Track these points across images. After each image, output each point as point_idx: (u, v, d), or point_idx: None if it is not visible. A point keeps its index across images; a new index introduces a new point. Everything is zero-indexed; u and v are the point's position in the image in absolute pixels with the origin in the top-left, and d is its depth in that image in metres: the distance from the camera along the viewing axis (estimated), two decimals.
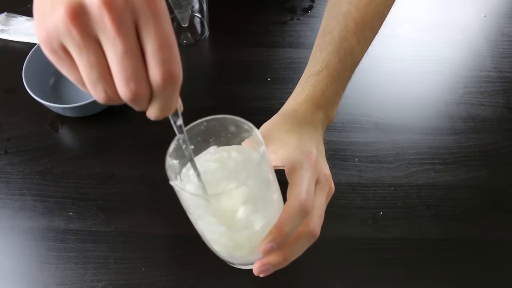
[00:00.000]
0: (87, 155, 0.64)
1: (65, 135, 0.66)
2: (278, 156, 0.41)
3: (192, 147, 0.37)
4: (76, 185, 0.61)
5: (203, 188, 0.37)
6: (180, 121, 0.33)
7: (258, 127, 0.45)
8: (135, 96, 0.28)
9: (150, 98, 0.29)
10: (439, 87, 0.74)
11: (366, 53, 0.52)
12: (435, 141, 0.68)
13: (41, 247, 0.57)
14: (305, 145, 0.42)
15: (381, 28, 0.54)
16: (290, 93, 0.49)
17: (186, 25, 0.76)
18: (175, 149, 0.36)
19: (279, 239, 0.36)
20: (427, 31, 0.81)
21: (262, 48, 0.76)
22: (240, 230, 0.37)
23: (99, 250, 0.57)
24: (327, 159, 0.44)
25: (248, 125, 0.36)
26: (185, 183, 0.39)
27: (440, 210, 0.62)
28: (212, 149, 0.41)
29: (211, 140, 0.40)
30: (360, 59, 0.51)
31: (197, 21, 0.78)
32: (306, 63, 0.51)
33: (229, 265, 0.46)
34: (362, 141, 0.67)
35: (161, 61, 0.27)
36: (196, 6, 0.76)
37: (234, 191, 0.33)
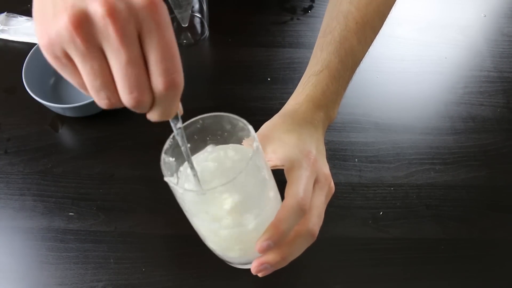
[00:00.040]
0: (87, 155, 0.64)
1: (65, 135, 0.66)
2: (277, 155, 0.41)
3: (189, 145, 0.38)
4: (76, 185, 0.61)
5: (199, 184, 0.37)
6: (179, 124, 0.33)
7: (258, 127, 0.45)
8: (137, 104, 0.28)
9: (152, 104, 0.29)
10: (439, 87, 0.75)
11: (367, 53, 0.52)
12: (435, 141, 0.68)
13: (41, 247, 0.57)
14: (305, 145, 0.42)
15: (381, 28, 0.54)
16: (290, 93, 0.49)
17: (186, 25, 0.76)
18: (171, 146, 0.37)
19: (275, 237, 0.36)
20: (427, 31, 0.81)
21: (262, 48, 0.76)
22: (234, 227, 0.37)
23: (99, 250, 0.57)
24: (327, 159, 0.44)
25: (243, 122, 0.37)
26: (183, 182, 0.39)
27: (440, 210, 0.62)
28: (209, 148, 0.41)
29: (207, 138, 0.40)
30: (361, 59, 0.51)
31: (197, 21, 0.78)
32: (306, 63, 0.51)
33: (229, 265, 0.46)
34: (362, 141, 0.67)
35: (163, 71, 0.27)
36: (196, 6, 0.76)
37: (226, 187, 0.33)
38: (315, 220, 0.39)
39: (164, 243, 0.58)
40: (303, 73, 0.50)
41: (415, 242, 0.59)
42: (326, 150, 0.46)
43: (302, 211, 0.37)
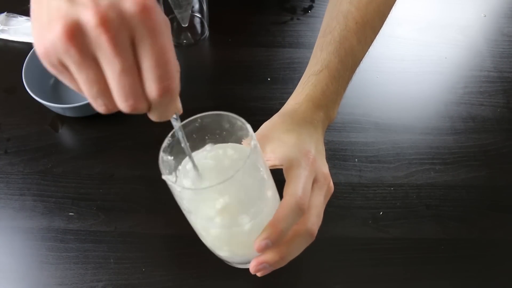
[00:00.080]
0: (87, 155, 0.64)
1: (65, 135, 0.66)
2: (276, 155, 0.41)
3: (188, 144, 0.38)
4: (76, 185, 0.61)
5: (200, 178, 0.37)
6: (178, 123, 0.34)
7: (258, 127, 0.45)
8: (133, 110, 0.29)
9: (149, 107, 0.30)
10: (439, 87, 0.75)
11: (367, 53, 0.52)
12: (435, 141, 0.68)
13: (41, 247, 0.57)
14: (304, 144, 0.42)
15: (381, 28, 0.54)
16: (290, 93, 0.49)
17: (186, 25, 0.76)
18: (169, 145, 0.37)
19: (273, 236, 0.36)
20: (427, 31, 0.81)
21: (262, 48, 0.76)
22: (232, 225, 0.37)
23: (99, 250, 0.57)
24: (327, 159, 0.44)
25: (241, 121, 0.37)
26: (181, 179, 0.39)
27: (440, 210, 0.62)
28: (208, 146, 0.41)
29: (206, 137, 0.40)
30: (361, 59, 0.51)
31: (197, 21, 0.78)
32: (306, 63, 0.51)
33: (228, 265, 0.46)
34: (362, 141, 0.67)
35: (156, 78, 0.27)
36: (196, 6, 0.76)
37: (223, 185, 0.33)
38: (314, 220, 0.39)
39: (164, 243, 0.58)
40: (303, 73, 0.50)
41: (415, 242, 0.59)
42: (326, 150, 0.46)
43: (300, 210, 0.37)
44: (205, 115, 0.38)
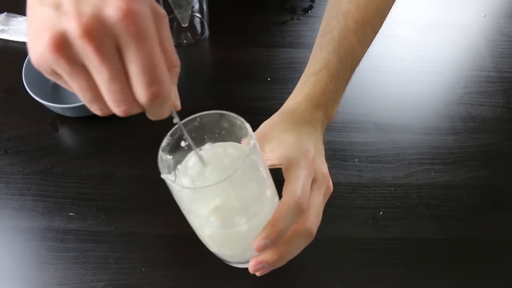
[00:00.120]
0: (87, 155, 0.64)
1: (65, 135, 0.66)
2: (275, 154, 0.41)
3: (186, 143, 0.38)
4: (76, 185, 0.61)
5: (207, 167, 0.37)
6: (176, 119, 0.34)
7: (257, 127, 0.45)
8: (127, 114, 0.29)
9: (143, 108, 0.30)
10: (439, 87, 0.74)
11: (366, 53, 0.52)
12: (435, 141, 0.68)
13: (41, 247, 0.57)
14: (303, 144, 0.42)
15: (381, 28, 0.54)
16: (290, 93, 0.49)
17: (186, 25, 0.76)
18: (169, 144, 0.37)
19: (272, 235, 0.36)
20: (427, 31, 0.81)
21: (262, 48, 0.76)
22: (230, 225, 0.37)
23: (99, 250, 0.57)
24: (327, 159, 0.44)
25: (240, 120, 0.37)
26: (180, 178, 0.39)
27: (440, 210, 0.62)
28: (208, 145, 0.41)
29: (205, 136, 0.40)
30: (361, 58, 0.51)
31: (197, 21, 0.78)
32: (306, 63, 0.51)
33: (228, 265, 0.46)
34: (362, 141, 0.67)
35: (144, 84, 0.27)
36: (196, 6, 0.76)
37: (222, 184, 0.33)
38: (313, 219, 0.39)
39: (164, 243, 0.58)
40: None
41: (415, 242, 0.59)
42: (326, 150, 0.46)
43: (299, 209, 0.37)
44: (205, 114, 0.38)
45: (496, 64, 0.77)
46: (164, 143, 0.36)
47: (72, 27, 0.25)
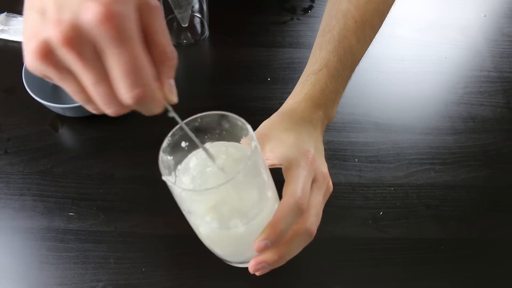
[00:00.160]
0: (87, 155, 0.64)
1: (65, 135, 0.66)
2: (275, 154, 0.41)
3: (187, 143, 0.38)
4: (76, 185, 0.61)
5: (213, 159, 0.37)
6: (172, 113, 0.33)
7: (257, 127, 0.45)
8: (119, 114, 0.29)
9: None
10: (439, 87, 0.74)
11: (366, 53, 0.52)
12: (435, 141, 0.68)
13: (41, 247, 0.57)
14: (303, 144, 0.42)
15: (381, 28, 0.54)
16: (290, 93, 0.49)
17: (186, 25, 0.76)
18: (169, 145, 0.37)
19: (273, 236, 0.36)
20: (427, 31, 0.81)
21: (262, 48, 0.76)
22: (231, 226, 0.37)
23: (99, 250, 0.57)
24: (327, 159, 0.44)
25: (241, 121, 0.37)
26: (180, 178, 0.39)
27: (440, 210, 0.62)
28: (208, 145, 0.41)
29: (206, 137, 0.40)
30: (360, 58, 0.51)
31: (197, 21, 0.78)
32: (306, 63, 0.51)
33: (228, 265, 0.46)
34: (362, 141, 0.67)
35: (127, 87, 0.27)
36: (196, 6, 0.76)
37: (223, 186, 0.33)
38: (313, 219, 0.39)
39: (164, 243, 0.58)
40: None
41: (415, 242, 0.59)
42: (326, 150, 0.45)
43: (300, 210, 0.37)
44: (205, 114, 0.38)
45: (496, 64, 0.77)
46: (165, 144, 0.36)
47: (53, 36, 0.25)
